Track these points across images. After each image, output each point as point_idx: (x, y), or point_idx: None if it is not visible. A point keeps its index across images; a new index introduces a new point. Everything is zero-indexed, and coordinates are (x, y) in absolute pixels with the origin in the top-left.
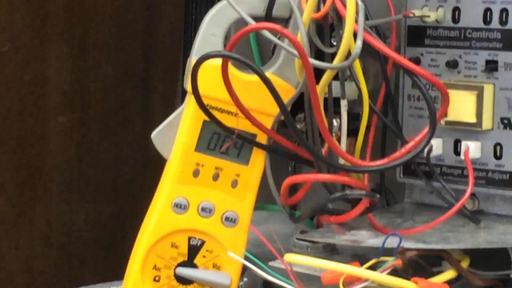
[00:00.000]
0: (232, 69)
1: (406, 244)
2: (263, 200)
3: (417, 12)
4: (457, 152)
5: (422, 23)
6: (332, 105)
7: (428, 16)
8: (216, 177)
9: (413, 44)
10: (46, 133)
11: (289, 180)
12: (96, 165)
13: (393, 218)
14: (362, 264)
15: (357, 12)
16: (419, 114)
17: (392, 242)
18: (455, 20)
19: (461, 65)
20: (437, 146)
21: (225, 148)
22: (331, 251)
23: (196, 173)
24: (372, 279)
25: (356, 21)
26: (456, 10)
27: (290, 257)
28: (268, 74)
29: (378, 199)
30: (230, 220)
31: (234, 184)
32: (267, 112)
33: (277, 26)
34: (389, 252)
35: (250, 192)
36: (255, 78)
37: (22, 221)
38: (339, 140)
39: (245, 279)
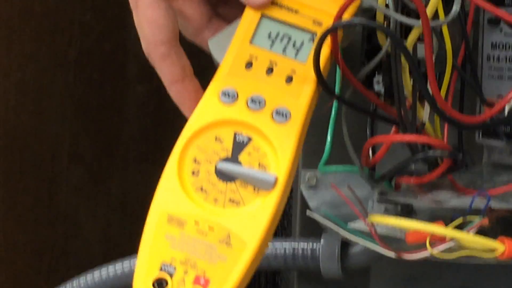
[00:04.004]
0: None
1: (492, 204)
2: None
3: None
4: None
5: None
6: (417, 65)
7: None
8: (269, 71)
9: (493, 3)
10: (124, 102)
11: (373, 140)
12: (171, 134)
13: (473, 179)
14: (445, 224)
15: None
16: (499, 74)
17: (477, 202)
18: None
19: None
20: None
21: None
22: (409, 213)
23: (248, 65)
24: (459, 239)
25: None
26: None
27: (374, 217)
28: None
29: (461, 160)
30: (281, 115)
31: (289, 80)
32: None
33: None
34: (471, 212)
35: (305, 91)
36: None
37: (100, 191)
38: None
39: (321, 241)
